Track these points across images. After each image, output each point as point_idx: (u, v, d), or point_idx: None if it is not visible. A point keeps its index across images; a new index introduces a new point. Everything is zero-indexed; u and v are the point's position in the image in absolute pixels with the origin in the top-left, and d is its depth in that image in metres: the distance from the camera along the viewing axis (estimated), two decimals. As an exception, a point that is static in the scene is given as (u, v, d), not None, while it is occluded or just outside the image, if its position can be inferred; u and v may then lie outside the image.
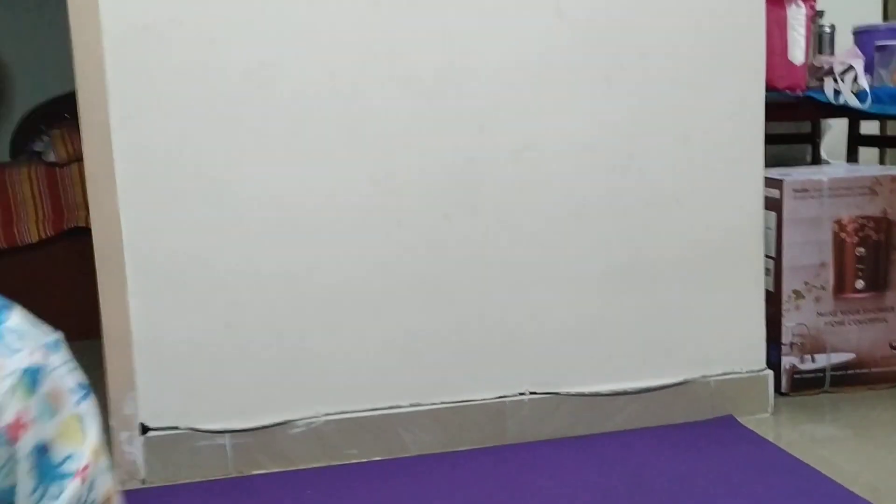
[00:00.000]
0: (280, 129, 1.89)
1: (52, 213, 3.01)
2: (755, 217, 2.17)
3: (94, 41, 1.79)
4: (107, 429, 1.92)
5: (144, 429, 1.92)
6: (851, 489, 1.76)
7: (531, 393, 2.06)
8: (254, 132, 1.88)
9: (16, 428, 0.73)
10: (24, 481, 0.74)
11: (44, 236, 2.99)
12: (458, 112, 1.96)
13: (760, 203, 2.17)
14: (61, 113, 3.22)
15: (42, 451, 0.76)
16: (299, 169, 1.91)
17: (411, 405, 2.02)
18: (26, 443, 0.74)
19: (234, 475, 1.95)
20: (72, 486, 0.76)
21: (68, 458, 0.77)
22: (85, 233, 1.91)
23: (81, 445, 0.78)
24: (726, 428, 2.10)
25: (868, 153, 3.60)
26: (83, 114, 1.84)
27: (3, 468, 0.73)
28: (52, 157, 3.01)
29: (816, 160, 3.52)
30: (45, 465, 0.76)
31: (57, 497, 0.75)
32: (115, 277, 1.87)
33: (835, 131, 3.65)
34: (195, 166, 1.87)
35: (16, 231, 2.97)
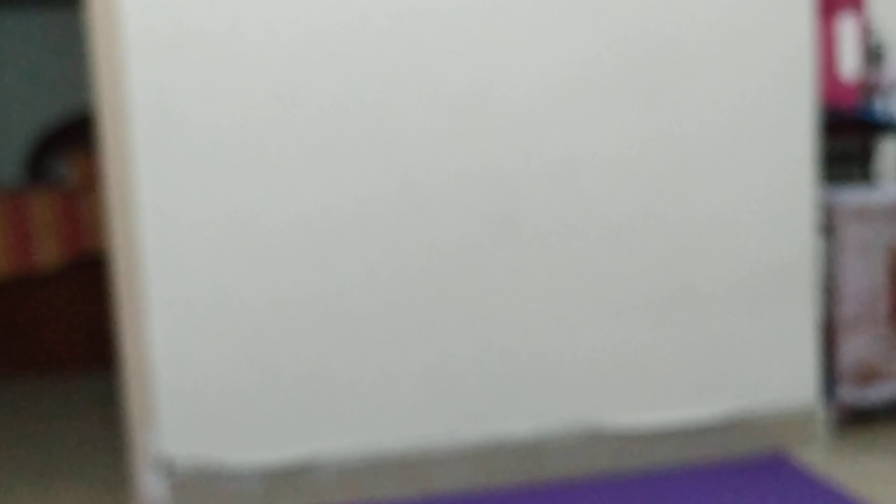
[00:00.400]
0: (306, 153, 1.84)
1: (67, 240, 2.97)
2: (807, 241, 2.07)
3: (116, 62, 1.75)
4: (118, 458, 1.86)
5: (167, 464, 1.86)
6: (917, 534, 1.65)
7: (570, 427, 1.97)
8: (279, 157, 1.83)
9: None
10: None
11: (59, 264, 2.95)
12: (495, 133, 1.89)
13: (812, 227, 2.07)
14: (76, 136, 3.18)
15: None
16: (326, 194, 1.85)
17: (443, 439, 1.94)
18: None
19: (260, 511, 1.88)
20: None
21: None
22: (99, 262, 1.86)
23: None
24: (777, 464, 1.99)
25: (921, 172, 3.47)
26: (104, 140, 1.79)
27: None
28: (68, 183, 2.98)
29: (868, 179, 3.39)
30: None
31: None
32: (135, 308, 1.82)
33: (887, 149, 3.52)
34: (219, 193, 1.82)
35: (31, 259, 2.94)
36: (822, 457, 2.05)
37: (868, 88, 2.51)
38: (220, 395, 1.86)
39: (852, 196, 2.27)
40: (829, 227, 2.16)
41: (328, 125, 1.84)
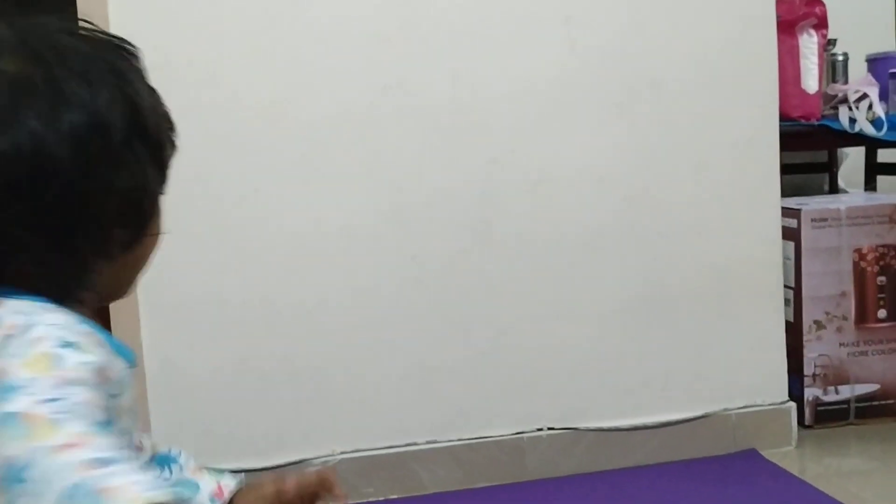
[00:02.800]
0: (292, 163, 1.90)
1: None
2: (773, 247, 2.14)
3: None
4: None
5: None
6: (880, 524, 1.72)
7: (549, 428, 2.03)
8: (266, 167, 1.88)
9: None
10: None
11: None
12: (470, 145, 1.96)
13: (778, 233, 2.15)
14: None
15: None
16: (312, 203, 1.91)
17: (428, 442, 1.99)
18: None
19: (249, 515, 1.92)
20: None
21: None
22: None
23: None
24: (749, 462, 2.06)
25: (886, 181, 3.57)
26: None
27: None
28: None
29: (834, 189, 3.49)
30: None
31: None
32: (127, 314, 1.86)
33: (852, 160, 3.62)
34: (208, 201, 1.87)
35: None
36: (791, 456, 2.12)
37: (831, 100, 2.61)
38: (209, 398, 1.91)
39: (817, 203, 2.35)
40: (794, 233, 2.24)
41: (312, 138, 1.90)
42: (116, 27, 1.78)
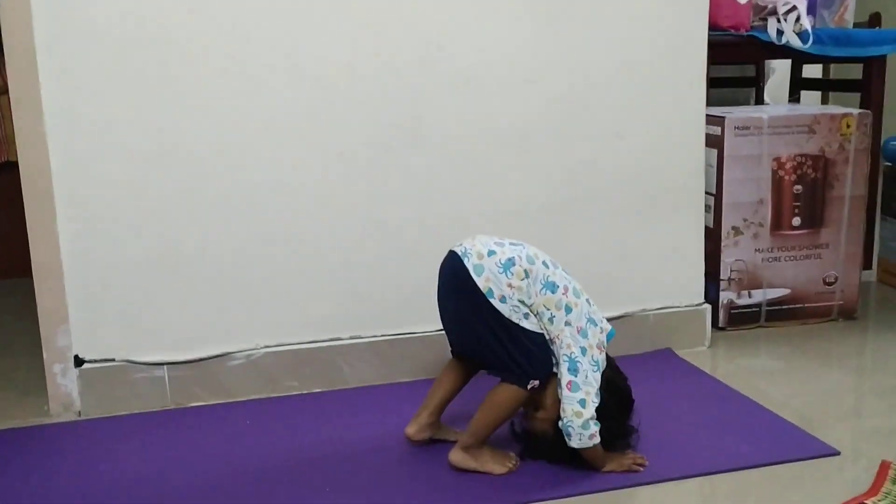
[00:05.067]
0: (217, 54, 1.84)
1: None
2: (697, 153, 2.18)
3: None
4: (40, 362, 1.88)
5: (79, 361, 1.89)
6: (782, 415, 1.81)
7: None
8: (189, 55, 1.83)
9: None
10: None
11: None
12: (400, 43, 1.93)
13: (702, 139, 2.19)
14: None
15: None
16: (237, 98, 1.87)
17: (351, 337, 2.01)
18: None
19: (171, 407, 1.93)
20: None
21: None
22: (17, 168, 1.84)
23: None
24: (664, 360, 2.14)
25: (810, 97, 3.65)
26: (6, 38, 1.76)
27: None
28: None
29: (760, 103, 3.55)
30: None
31: None
32: (43, 208, 1.82)
33: (779, 75, 3.68)
34: (128, 92, 1.81)
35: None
36: (704, 355, 2.20)
37: (760, 10, 2.62)
38: (129, 291, 1.88)
39: (741, 111, 2.39)
40: (718, 140, 2.28)
41: (237, 28, 1.84)
42: None
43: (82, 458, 1.69)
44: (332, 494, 1.53)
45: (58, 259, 1.83)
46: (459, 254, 1.54)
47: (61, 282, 1.85)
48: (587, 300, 1.59)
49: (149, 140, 1.84)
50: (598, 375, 1.54)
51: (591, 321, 1.56)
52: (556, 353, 1.53)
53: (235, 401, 1.94)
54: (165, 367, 1.92)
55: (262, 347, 1.97)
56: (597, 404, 1.52)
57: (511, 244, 1.56)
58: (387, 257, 2.00)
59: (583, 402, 1.50)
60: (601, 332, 1.58)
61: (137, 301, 1.89)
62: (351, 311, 2.00)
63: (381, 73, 1.93)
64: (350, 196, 1.96)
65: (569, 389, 1.51)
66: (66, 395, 1.89)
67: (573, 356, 1.52)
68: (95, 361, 1.90)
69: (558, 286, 1.54)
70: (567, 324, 1.53)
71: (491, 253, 1.52)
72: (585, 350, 1.53)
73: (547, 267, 1.56)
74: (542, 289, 1.52)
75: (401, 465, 1.64)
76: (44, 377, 1.89)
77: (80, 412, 1.90)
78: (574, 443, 1.51)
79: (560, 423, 1.52)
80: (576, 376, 1.51)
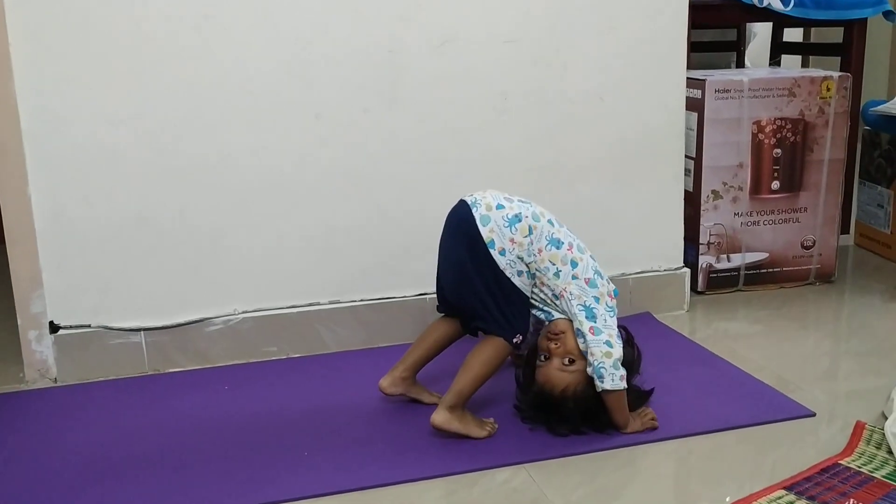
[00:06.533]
0: (191, 12, 1.80)
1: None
2: (677, 116, 2.17)
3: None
4: (15, 328, 1.86)
5: (54, 327, 1.87)
6: (759, 377, 1.82)
7: (452, 290, 2.05)
8: (164, 16, 1.79)
9: None
10: None
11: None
12: (379, 6, 1.90)
13: (682, 102, 2.18)
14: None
15: None
16: (213, 58, 1.83)
17: (330, 302, 2.00)
18: None
19: (149, 373, 1.92)
20: None
21: None
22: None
23: None
24: (642, 324, 2.14)
25: (791, 61, 3.64)
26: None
27: None
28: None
29: (741, 67, 3.54)
30: None
31: None
32: (14, 170, 1.78)
33: (759, 39, 3.67)
34: (99, 51, 1.78)
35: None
36: (683, 319, 2.21)
37: (742, -27, 2.60)
38: (105, 255, 1.86)
39: (721, 74, 2.38)
40: (698, 103, 2.27)
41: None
42: None
43: (58, 425, 1.68)
44: (310, 458, 1.53)
45: (31, 223, 1.81)
46: (469, 203, 1.57)
47: (35, 247, 1.82)
48: (591, 256, 1.62)
49: (122, 101, 1.80)
50: (615, 322, 1.57)
51: (598, 273, 1.59)
52: (566, 307, 1.56)
53: (214, 366, 1.93)
54: (142, 332, 1.91)
55: (240, 312, 1.95)
56: (621, 346, 1.55)
57: (520, 201, 1.60)
58: (366, 221, 1.99)
59: (609, 343, 1.53)
60: (608, 284, 1.60)
61: (113, 266, 1.87)
62: (330, 275, 1.99)
63: (359, 32, 1.90)
64: (328, 159, 1.94)
65: (592, 334, 1.53)
66: (41, 361, 1.88)
67: (587, 304, 1.55)
68: (71, 328, 1.88)
69: (563, 242, 1.58)
70: (574, 277, 1.56)
71: (500, 206, 1.56)
72: (598, 298, 1.56)
73: (552, 225, 1.59)
74: (547, 244, 1.56)
75: (380, 429, 1.64)
76: (19, 344, 1.87)
77: (55, 379, 1.88)
78: (607, 384, 1.52)
79: (589, 370, 1.54)
80: (595, 322, 1.54)
